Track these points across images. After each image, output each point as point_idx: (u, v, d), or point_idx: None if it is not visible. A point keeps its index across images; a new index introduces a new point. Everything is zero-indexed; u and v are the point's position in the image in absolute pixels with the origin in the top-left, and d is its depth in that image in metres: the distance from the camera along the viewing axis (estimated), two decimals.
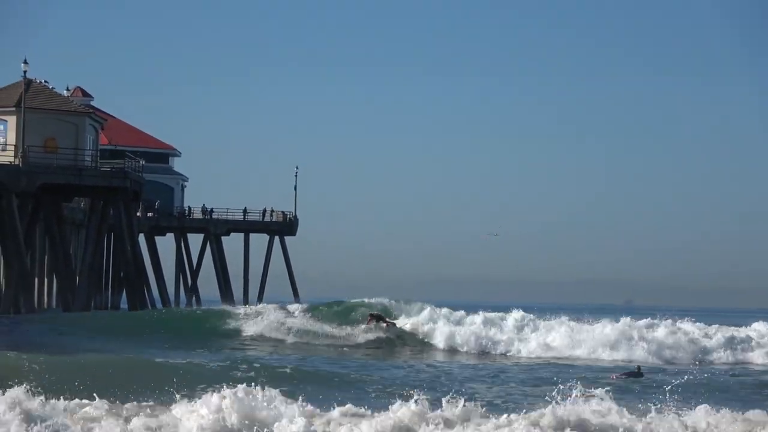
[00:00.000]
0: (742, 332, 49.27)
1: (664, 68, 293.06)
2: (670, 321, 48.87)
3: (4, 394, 18.98)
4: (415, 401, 19.45)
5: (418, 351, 46.52)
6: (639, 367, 35.99)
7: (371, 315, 49.40)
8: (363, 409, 20.11)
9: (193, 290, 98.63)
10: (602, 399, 20.81)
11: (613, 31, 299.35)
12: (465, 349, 46.79)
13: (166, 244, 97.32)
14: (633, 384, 32.05)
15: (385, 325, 48.82)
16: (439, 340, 47.83)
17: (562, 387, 22.35)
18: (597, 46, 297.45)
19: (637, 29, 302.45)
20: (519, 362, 42.01)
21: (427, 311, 50.57)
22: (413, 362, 40.09)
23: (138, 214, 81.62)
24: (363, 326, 48.48)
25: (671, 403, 20.88)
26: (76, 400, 20.01)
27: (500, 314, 49.87)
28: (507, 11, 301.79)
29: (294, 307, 53.20)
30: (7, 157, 61.36)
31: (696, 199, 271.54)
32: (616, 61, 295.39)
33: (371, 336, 47.64)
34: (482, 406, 20.17)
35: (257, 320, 49.30)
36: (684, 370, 36.51)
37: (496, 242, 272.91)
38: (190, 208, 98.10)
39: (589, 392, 23.18)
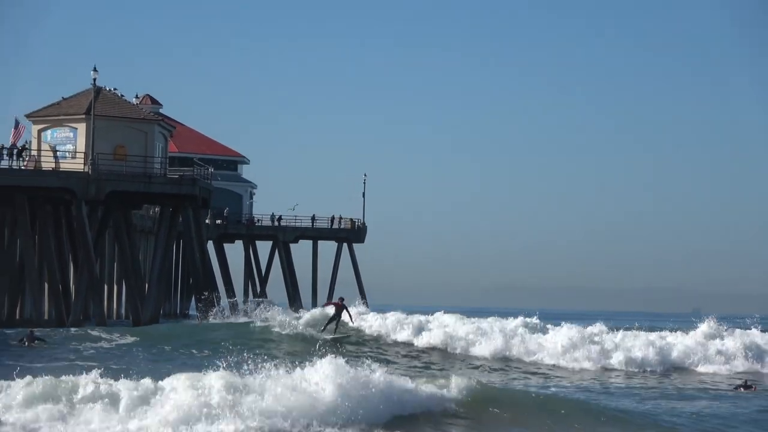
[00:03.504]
0: None
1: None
2: None
3: None
4: None
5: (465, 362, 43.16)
6: (746, 381, 34.90)
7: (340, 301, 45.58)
8: None
9: (261, 297, 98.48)
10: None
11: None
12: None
13: (234, 251, 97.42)
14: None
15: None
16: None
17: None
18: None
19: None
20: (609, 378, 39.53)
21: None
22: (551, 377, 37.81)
23: (207, 221, 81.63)
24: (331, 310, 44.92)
25: None
26: None
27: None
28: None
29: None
30: (77, 164, 61.42)
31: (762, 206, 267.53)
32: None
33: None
34: None
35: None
36: None
37: (560, 250, 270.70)
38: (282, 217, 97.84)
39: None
